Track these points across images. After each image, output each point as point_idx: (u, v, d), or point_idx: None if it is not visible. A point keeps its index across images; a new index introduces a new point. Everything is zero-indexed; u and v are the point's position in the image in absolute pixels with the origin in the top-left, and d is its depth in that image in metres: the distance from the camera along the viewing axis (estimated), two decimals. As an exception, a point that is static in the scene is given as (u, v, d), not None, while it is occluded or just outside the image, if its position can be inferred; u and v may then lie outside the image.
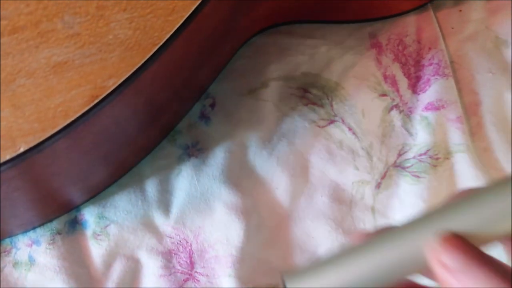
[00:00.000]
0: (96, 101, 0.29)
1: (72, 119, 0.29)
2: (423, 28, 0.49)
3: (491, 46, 0.49)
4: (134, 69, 0.30)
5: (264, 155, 0.44)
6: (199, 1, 0.32)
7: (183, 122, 0.45)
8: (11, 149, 0.28)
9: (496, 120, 0.47)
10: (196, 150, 0.44)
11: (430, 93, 0.46)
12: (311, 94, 0.46)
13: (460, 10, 0.50)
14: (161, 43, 0.30)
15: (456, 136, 0.45)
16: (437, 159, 0.45)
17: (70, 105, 0.29)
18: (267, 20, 0.46)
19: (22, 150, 0.28)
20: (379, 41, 0.48)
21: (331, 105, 0.46)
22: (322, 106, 0.45)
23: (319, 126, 0.45)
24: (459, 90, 0.47)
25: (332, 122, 0.45)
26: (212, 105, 0.45)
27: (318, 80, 0.46)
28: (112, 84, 0.29)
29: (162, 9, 0.31)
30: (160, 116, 0.40)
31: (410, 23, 0.49)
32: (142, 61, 0.30)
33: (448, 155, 0.45)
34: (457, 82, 0.48)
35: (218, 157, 0.43)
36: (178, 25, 0.31)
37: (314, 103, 0.45)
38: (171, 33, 0.31)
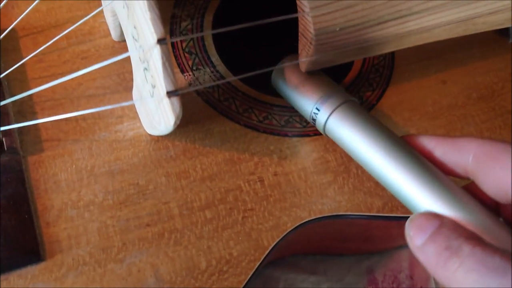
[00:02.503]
0: None
1: None
2: (415, 263, 0.54)
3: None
4: None
5: None
6: None
7: None
8: None
9: None
10: None
11: (419, 335, 0.51)
12: (312, 333, 0.50)
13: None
14: None
15: None
16: None
17: None
18: (277, 256, 0.51)
19: None
20: (375, 277, 0.53)
21: None
22: None
23: None
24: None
25: None
26: None
27: (319, 319, 0.50)
28: None
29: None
30: None
31: (404, 257, 0.54)
32: None
33: None
34: (444, 321, 0.52)
35: None
36: None
37: None
38: None
